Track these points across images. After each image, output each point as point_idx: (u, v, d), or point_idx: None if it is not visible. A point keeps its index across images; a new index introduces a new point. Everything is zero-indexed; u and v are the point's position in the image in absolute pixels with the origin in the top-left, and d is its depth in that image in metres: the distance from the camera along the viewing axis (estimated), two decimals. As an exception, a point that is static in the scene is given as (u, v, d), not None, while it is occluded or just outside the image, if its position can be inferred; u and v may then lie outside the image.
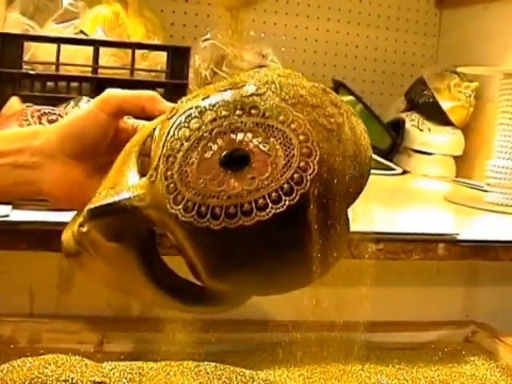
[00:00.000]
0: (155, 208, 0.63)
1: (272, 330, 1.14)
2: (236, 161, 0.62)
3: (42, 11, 1.71)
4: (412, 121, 2.18)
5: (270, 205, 0.60)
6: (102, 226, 0.65)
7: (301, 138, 0.62)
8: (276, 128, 0.62)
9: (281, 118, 0.63)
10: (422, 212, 1.48)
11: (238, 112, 0.63)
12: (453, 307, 1.27)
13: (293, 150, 0.61)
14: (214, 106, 0.64)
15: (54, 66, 1.55)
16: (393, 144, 2.12)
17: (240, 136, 0.62)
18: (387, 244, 1.09)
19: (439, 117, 2.15)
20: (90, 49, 1.56)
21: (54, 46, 1.53)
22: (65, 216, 0.98)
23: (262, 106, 0.63)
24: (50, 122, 1.07)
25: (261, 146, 0.62)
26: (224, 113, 0.63)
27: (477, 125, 2.17)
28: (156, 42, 1.76)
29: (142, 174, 0.66)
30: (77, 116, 0.73)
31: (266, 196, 0.60)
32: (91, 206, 0.65)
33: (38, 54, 1.57)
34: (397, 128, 2.16)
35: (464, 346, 1.21)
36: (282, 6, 2.32)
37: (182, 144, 0.63)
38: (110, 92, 0.73)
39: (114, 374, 0.97)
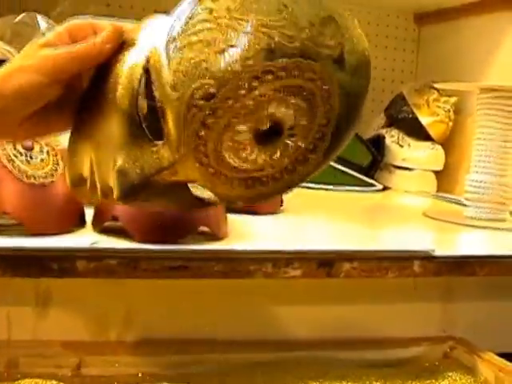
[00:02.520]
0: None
1: (249, 350, 1.14)
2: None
3: (19, 36, 1.71)
4: (392, 137, 2.19)
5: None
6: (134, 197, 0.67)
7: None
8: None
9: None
10: (400, 229, 1.48)
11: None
12: (430, 323, 1.28)
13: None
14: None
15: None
16: (373, 161, 2.13)
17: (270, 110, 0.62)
18: (361, 262, 1.10)
19: (419, 132, 2.16)
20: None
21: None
22: (39, 242, 0.99)
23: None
24: (26, 148, 1.07)
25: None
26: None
27: (457, 139, 2.18)
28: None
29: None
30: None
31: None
32: (119, 186, 0.66)
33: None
34: (377, 144, 2.17)
35: (442, 361, 1.21)
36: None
37: (212, 123, 0.62)
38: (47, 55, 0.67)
39: (90, 398, 0.98)
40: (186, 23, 0.62)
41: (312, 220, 1.46)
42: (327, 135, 0.65)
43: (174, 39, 0.62)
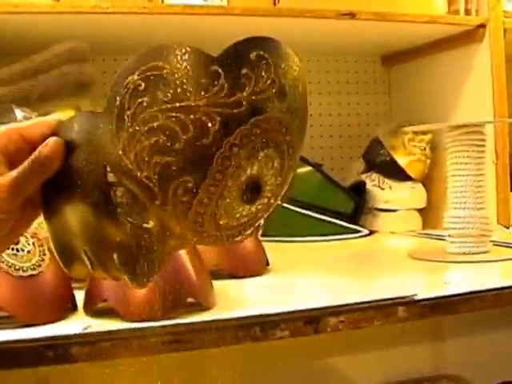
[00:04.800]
0: None
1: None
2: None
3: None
4: (372, 181, 2.22)
5: None
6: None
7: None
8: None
9: None
10: (385, 274, 1.49)
11: None
12: (423, 363, 1.30)
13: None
14: None
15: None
16: (357, 207, 2.17)
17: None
18: (347, 315, 1.13)
19: (398, 173, 2.20)
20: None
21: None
22: (33, 332, 1.02)
23: None
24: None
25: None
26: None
27: (436, 174, 2.21)
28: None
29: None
30: None
31: None
32: (130, 278, 0.67)
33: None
34: (359, 190, 2.21)
35: (439, 400, 1.24)
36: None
37: (201, 210, 0.64)
38: None
39: None
40: (133, 121, 0.61)
41: (298, 276, 1.48)
42: (293, 157, 0.67)
43: (129, 143, 0.62)
